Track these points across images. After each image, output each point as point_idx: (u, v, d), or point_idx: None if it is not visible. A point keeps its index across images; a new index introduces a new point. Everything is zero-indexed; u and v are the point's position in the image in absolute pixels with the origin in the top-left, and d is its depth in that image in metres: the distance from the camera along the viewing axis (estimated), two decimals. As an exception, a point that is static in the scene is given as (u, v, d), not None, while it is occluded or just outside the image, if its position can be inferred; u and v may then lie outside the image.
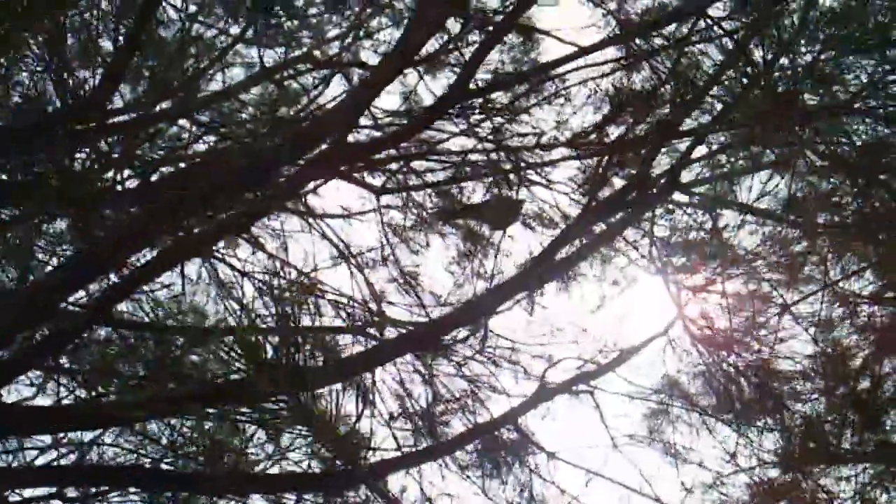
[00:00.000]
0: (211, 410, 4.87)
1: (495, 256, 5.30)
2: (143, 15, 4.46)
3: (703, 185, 5.10)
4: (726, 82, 4.89)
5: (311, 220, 6.27)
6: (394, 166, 5.18)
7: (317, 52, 6.33)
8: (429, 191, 5.29)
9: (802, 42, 4.85)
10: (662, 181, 4.87)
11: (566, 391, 5.50)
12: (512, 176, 4.94)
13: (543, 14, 5.44)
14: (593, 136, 4.71)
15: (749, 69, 4.81)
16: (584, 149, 4.76)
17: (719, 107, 5.03)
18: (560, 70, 4.68)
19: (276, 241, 6.29)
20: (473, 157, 4.98)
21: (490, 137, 4.78)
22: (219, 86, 5.93)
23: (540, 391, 5.46)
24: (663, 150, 4.90)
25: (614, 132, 4.83)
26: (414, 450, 5.25)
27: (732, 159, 5.17)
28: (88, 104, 4.47)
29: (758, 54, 4.76)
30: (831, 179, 5.55)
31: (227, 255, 5.50)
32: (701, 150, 5.05)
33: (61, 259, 4.69)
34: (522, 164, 4.83)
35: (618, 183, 5.01)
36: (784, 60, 4.88)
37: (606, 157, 4.80)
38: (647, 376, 5.96)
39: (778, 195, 5.53)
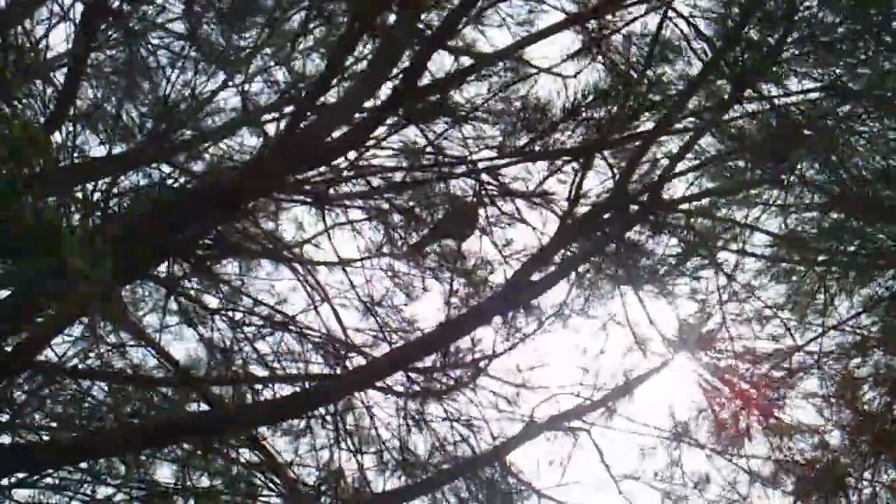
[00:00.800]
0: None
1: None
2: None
3: (689, 203, 4.84)
4: (704, 95, 4.70)
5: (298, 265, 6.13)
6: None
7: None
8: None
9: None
10: (643, 198, 4.65)
11: (556, 428, 5.22)
12: (467, 181, 4.76)
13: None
14: (549, 138, 4.48)
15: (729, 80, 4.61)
16: (540, 153, 4.52)
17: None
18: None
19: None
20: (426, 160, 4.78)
21: (437, 143, 4.59)
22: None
23: (528, 427, 5.20)
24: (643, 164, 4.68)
25: (578, 137, 4.60)
26: (394, 488, 5.00)
27: (719, 176, 4.96)
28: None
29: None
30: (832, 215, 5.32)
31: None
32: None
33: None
34: (476, 168, 4.63)
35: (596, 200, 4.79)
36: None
37: (580, 172, 4.58)
38: (646, 414, 5.67)
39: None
